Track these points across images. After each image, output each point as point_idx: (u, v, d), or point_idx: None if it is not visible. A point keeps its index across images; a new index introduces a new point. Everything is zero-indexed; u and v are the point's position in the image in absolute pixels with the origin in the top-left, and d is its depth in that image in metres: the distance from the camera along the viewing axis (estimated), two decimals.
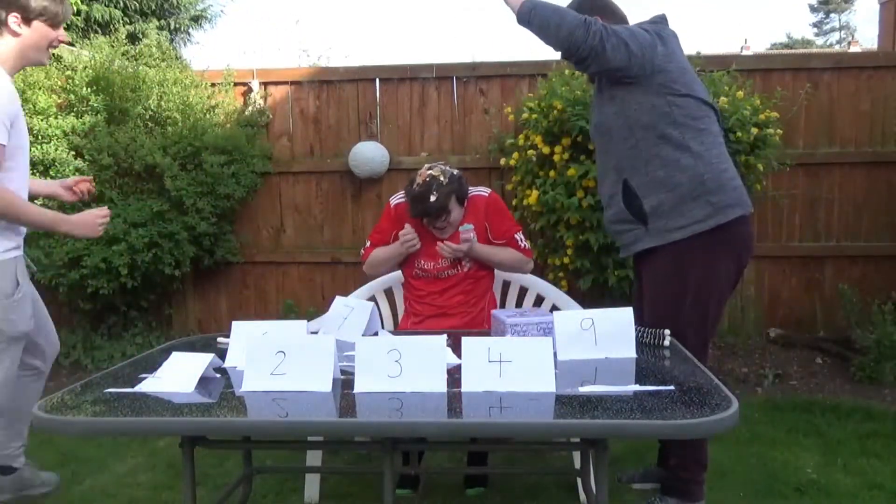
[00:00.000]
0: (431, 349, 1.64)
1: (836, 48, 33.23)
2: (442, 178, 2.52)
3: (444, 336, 1.67)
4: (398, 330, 2.72)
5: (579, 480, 2.48)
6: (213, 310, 4.66)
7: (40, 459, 3.03)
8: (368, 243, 2.74)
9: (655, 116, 2.20)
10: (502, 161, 4.11)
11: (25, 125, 2.32)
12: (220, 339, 2.25)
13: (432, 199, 2.48)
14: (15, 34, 2.22)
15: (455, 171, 2.59)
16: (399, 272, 2.79)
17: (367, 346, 1.67)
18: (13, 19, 2.20)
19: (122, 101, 4.28)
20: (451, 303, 2.65)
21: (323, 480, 2.66)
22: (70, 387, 1.76)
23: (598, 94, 2.37)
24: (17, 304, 2.27)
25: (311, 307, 4.38)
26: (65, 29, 2.34)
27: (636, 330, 1.99)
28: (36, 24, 2.23)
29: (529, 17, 2.18)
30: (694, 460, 2.33)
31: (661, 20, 2.32)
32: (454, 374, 1.66)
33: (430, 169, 2.56)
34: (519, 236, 2.68)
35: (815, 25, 41.50)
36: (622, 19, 2.37)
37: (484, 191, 2.71)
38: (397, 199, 2.71)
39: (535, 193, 3.72)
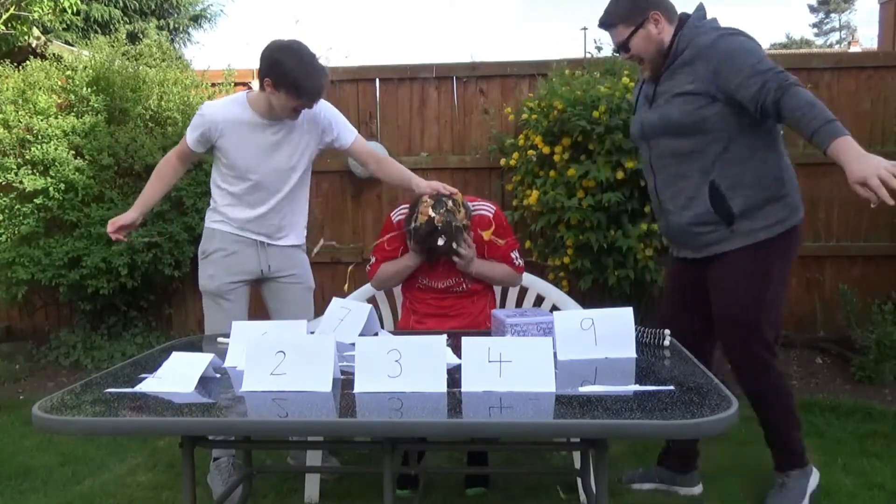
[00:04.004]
0: (431, 349, 1.64)
1: (836, 48, 33.23)
2: (446, 220, 2.42)
3: (444, 336, 1.67)
4: (398, 328, 2.72)
5: (579, 480, 2.48)
6: None
7: (40, 459, 3.04)
8: (374, 259, 2.71)
9: (748, 116, 2.17)
10: (502, 161, 4.11)
11: (238, 150, 2.57)
12: (220, 339, 2.25)
13: (440, 242, 2.43)
14: (268, 92, 2.46)
15: (451, 202, 2.45)
16: None
17: (367, 346, 1.67)
18: (266, 82, 2.43)
19: (123, 101, 4.29)
20: (451, 305, 2.65)
21: (323, 480, 2.66)
22: (70, 387, 1.76)
23: (664, 91, 2.29)
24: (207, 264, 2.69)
25: None
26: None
27: (636, 330, 1.99)
28: (282, 92, 2.42)
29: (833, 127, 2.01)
30: (792, 427, 2.39)
31: (710, 18, 2.27)
32: (454, 374, 1.66)
33: (432, 210, 2.42)
34: (514, 254, 2.65)
35: (814, 25, 41.55)
36: (673, 10, 2.31)
37: (488, 210, 2.63)
38: (398, 214, 2.66)
39: (535, 193, 3.72)
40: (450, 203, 2.44)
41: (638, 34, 2.26)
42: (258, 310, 2.74)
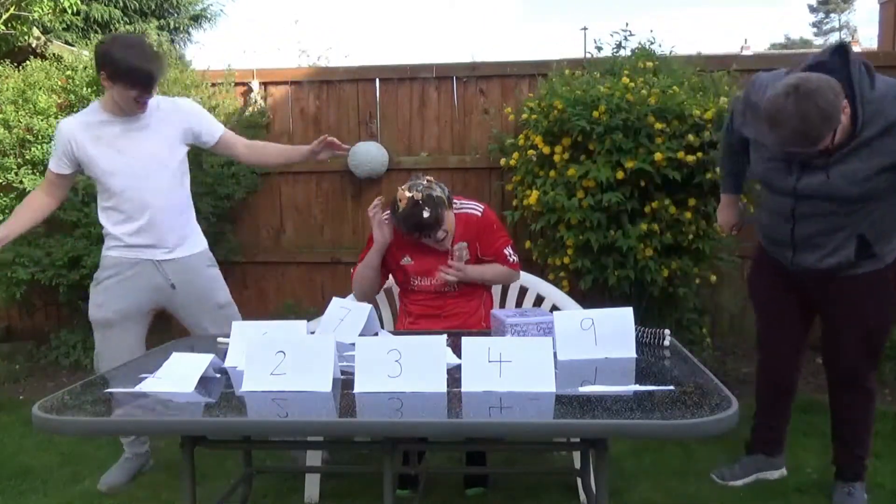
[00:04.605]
0: (431, 349, 1.64)
1: None
2: (426, 193, 2.45)
3: (444, 336, 1.68)
4: (396, 329, 2.72)
5: (579, 480, 2.48)
6: None
7: (40, 459, 3.04)
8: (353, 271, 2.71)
9: None
10: (502, 161, 4.11)
11: (98, 152, 2.55)
12: (220, 339, 2.25)
13: (426, 214, 2.42)
14: (107, 87, 2.50)
15: (426, 181, 2.50)
16: None
17: (367, 346, 1.67)
18: (102, 76, 2.48)
19: None
20: (444, 305, 2.65)
21: (323, 480, 2.66)
22: (70, 387, 1.76)
23: (839, 162, 2.19)
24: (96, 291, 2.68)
25: (311, 307, 4.38)
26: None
27: (636, 330, 1.99)
28: (118, 84, 2.45)
29: None
30: (871, 433, 2.54)
31: (870, 69, 2.20)
32: (454, 374, 1.66)
33: (408, 191, 2.46)
34: (508, 251, 2.64)
35: (814, 25, 41.56)
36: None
37: (476, 209, 2.63)
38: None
39: (535, 193, 3.72)
40: (423, 182, 2.49)
41: (836, 133, 2.11)
42: (242, 303, 2.71)
